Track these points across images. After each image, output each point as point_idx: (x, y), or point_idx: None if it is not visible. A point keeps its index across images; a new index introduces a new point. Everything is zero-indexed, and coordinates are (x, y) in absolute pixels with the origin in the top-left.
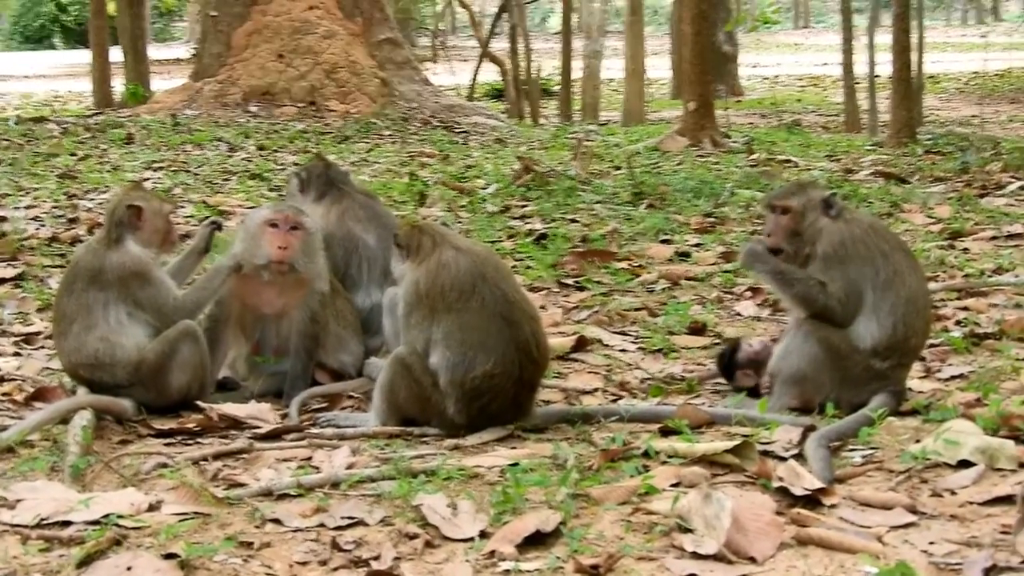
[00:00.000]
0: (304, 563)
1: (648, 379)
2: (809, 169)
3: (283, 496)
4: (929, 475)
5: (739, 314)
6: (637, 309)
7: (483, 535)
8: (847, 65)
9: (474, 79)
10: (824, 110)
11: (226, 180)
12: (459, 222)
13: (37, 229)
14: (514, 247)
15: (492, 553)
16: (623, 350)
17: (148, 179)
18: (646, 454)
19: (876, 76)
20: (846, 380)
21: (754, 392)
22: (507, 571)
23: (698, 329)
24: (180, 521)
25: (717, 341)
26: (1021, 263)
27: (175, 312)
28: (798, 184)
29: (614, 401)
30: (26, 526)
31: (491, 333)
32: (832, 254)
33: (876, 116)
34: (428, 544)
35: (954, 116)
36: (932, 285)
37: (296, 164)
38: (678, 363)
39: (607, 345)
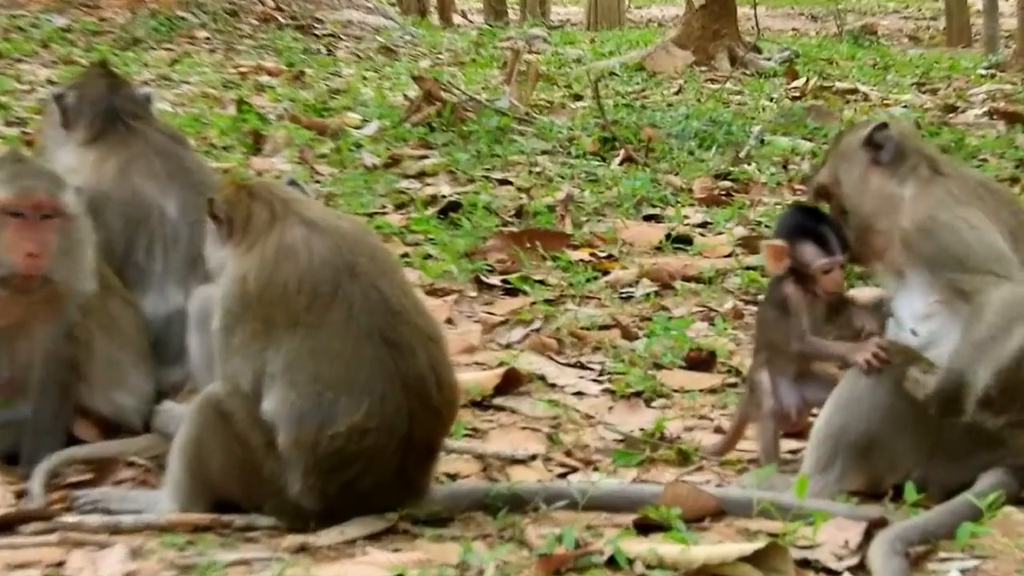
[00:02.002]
0: None
1: (620, 440)
2: (887, 104)
3: None
4: None
5: None
6: (604, 327)
7: None
8: None
9: None
10: (913, 11)
11: None
12: (317, 181)
13: None
14: (406, 223)
15: None
16: (579, 393)
17: None
18: (612, 562)
19: None
20: (938, 447)
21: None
22: None
23: (701, 361)
24: None
25: (732, 381)
26: None
27: None
28: (835, 138)
29: (563, 476)
30: None
31: (363, 363)
32: (928, 235)
33: (996, 23)
34: None
35: None
36: None
37: (54, 83)
38: (668, 416)
39: (553, 385)
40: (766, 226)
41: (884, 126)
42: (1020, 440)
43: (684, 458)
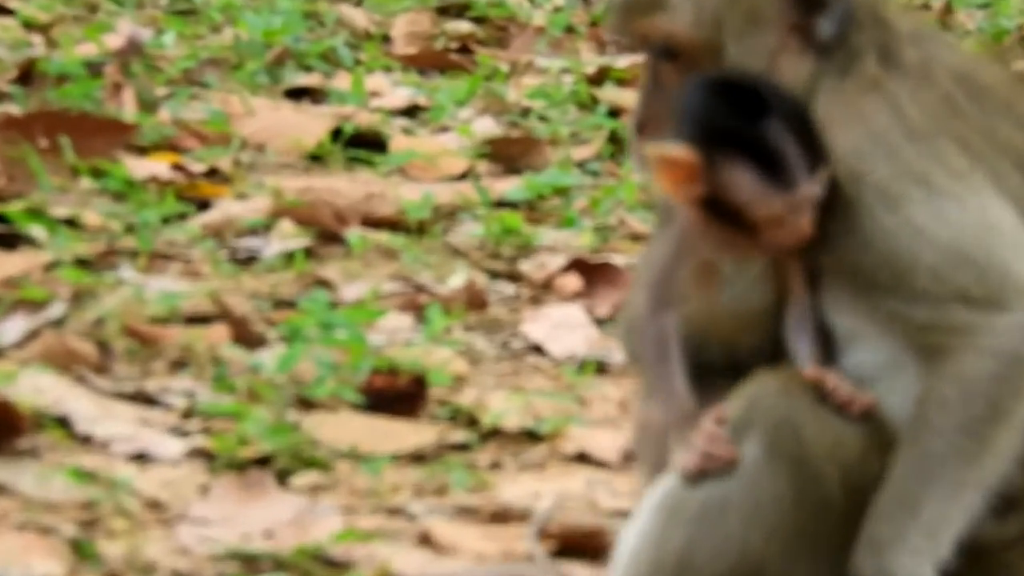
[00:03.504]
0: None
1: (224, 557)
2: None
3: None
4: None
5: (540, 348)
6: (196, 319)
7: None
8: None
9: None
10: None
11: None
12: None
13: None
14: None
15: None
16: (141, 456)
17: None
18: None
19: None
20: None
21: None
22: None
23: (398, 395)
24: None
25: (460, 441)
26: None
27: None
28: None
29: None
30: None
31: None
32: (856, 211)
33: None
34: None
35: None
36: None
37: None
38: (326, 507)
39: (87, 438)
40: (540, 118)
41: None
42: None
43: None
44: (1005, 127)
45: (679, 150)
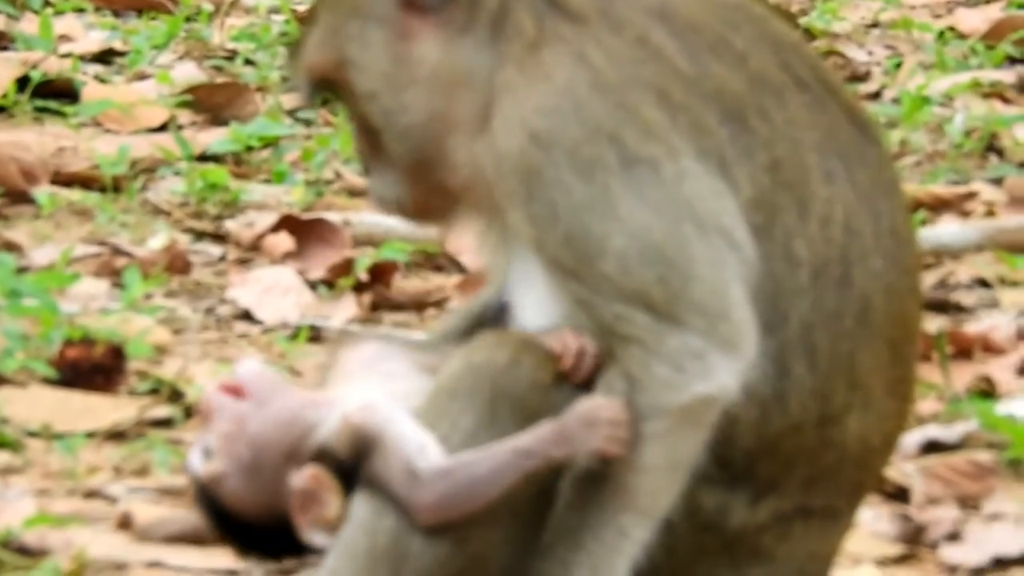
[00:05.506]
0: None
1: None
2: None
3: None
4: None
5: (248, 314)
6: None
7: None
8: None
9: None
10: None
11: None
12: None
13: None
14: None
15: None
16: None
17: None
18: None
19: None
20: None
21: None
22: None
23: (92, 367)
24: None
25: (164, 415)
26: None
27: None
28: None
29: None
30: None
31: None
32: (536, 187)
33: None
34: None
35: None
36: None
37: None
38: (8, 490)
39: None
40: (247, 62)
41: None
42: (799, 549)
43: None
44: (717, 67)
45: (313, 479)
